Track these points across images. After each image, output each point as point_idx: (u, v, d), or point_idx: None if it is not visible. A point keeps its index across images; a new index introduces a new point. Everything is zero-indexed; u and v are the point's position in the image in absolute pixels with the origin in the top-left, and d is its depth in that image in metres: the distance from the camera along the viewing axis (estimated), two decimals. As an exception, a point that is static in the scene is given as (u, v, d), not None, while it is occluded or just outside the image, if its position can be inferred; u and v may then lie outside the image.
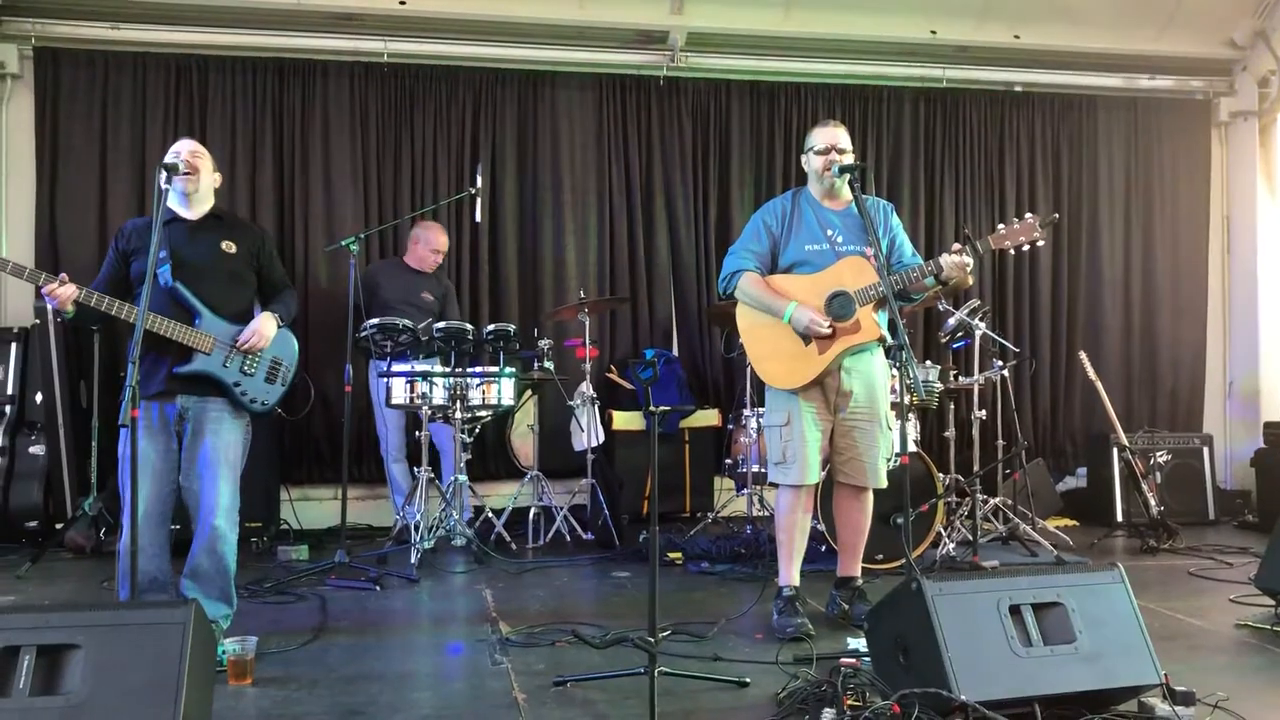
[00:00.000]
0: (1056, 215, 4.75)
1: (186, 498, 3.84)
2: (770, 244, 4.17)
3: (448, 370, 5.51)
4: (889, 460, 4.27)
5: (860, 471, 4.16)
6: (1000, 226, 4.04)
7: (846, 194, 4.19)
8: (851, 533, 4.30)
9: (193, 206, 3.95)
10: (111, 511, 5.60)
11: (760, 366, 4.18)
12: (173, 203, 3.91)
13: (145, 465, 3.67)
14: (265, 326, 3.92)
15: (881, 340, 4.12)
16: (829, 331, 3.98)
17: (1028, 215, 4.04)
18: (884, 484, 4.21)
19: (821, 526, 5.04)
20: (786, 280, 4.12)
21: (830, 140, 4.15)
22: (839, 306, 4.00)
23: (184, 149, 3.93)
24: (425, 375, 5.53)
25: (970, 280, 5.82)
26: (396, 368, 5.54)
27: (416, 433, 5.74)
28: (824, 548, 5.21)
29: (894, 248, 4.20)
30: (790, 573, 4.17)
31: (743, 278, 4.14)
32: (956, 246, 3.97)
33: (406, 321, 5.54)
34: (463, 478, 5.68)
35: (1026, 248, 4.03)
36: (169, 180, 3.72)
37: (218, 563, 3.81)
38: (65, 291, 3.61)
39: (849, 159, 4.16)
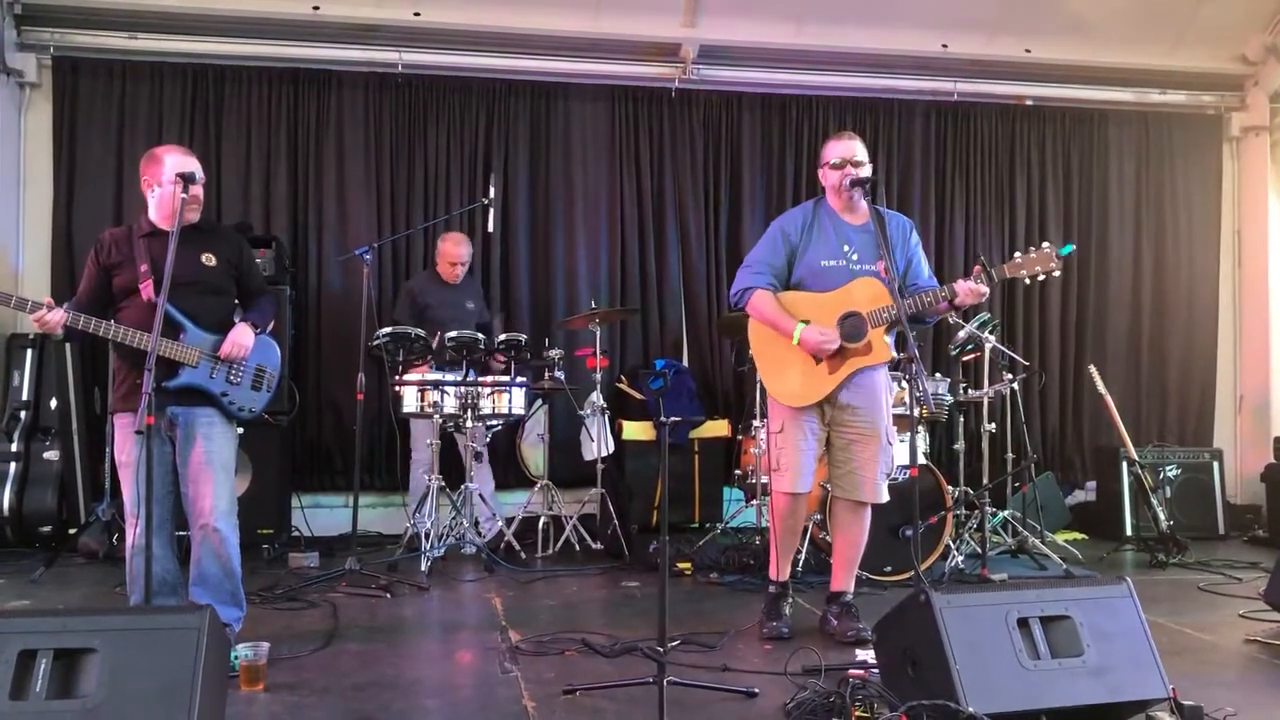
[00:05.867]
0: (1074, 245, 4.66)
1: (184, 503, 3.87)
2: (787, 255, 4.12)
3: (459, 379, 5.55)
4: (890, 475, 4.27)
5: (857, 486, 4.13)
6: (1016, 255, 3.98)
7: (864, 208, 4.14)
8: (848, 547, 4.26)
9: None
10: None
11: (771, 383, 4.16)
12: (155, 217, 3.90)
13: (142, 469, 3.70)
14: (243, 336, 3.92)
15: (890, 361, 4.12)
16: (836, 346, 3.97)
17: (1045, 245, 3.97)
18: (884, 499, 4.19)
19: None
20: (799, 299, 4.09)
21: (846, 154, 4.11)
22: (851, 327, 3.98)
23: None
24: (436, 384, 5.56)
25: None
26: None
27: (429, 441, 5.75)
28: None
29: (910, 268, 4.17)
30: (780, 567, 4.24)
31: (754, 295, 4.09)
32: (976, 270, 3.94)
33: (419, 331, 5.59)
34: (474, 485, 5.70)
35: (1042, 278, 3.97)
36: (185, 189, 3.74)
37: (224, 565, 3.85)
38: (53, 317, 3.66)
39: (866, 171, 4.12)
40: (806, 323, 4.00)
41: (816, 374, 4.04)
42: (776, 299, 4.10)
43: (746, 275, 4.15)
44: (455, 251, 6.30)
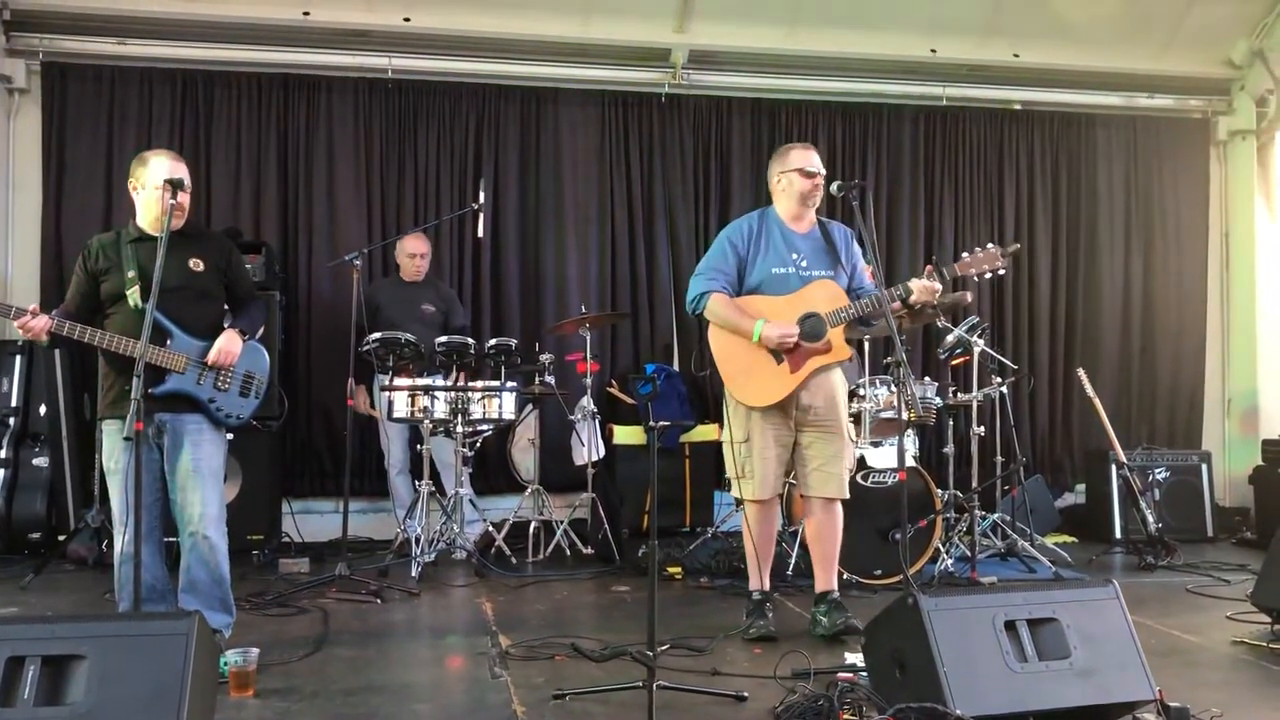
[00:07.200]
0: (1018, 245, 4.92)
1: (173, 510, 3.86)
2: (737, 263, 4.22)
3: (449, 384, 5.55)
4: (850, 472, 4.34)
5: (826, 483, 4.21)
6: (964, 255, 4.17)
7: (811, 217, 4.29)
8: (825, 545, 4.31)
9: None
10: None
11: (733, 384, 4.22)
12: (142, 221, 3.89)
13: (130, 476, 3.69)
14: (231, 343, 3.91)
15: (849, 359, 4.24)
16: (795, 340, 4.04)
17: (989, 245, 4.18)
18: (847, 495, 4.26)
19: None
20: (758, 301, 4.17)
21: (818, 164, 4.24)
22: (811, 327, 4.08)
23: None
24: (427, 389, 5.56)
25: (969, 298, 5.89)
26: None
27: (418, 446, 5.78)
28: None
29: (854, 275, 4.30)
30: (760, 578, 4.30)
31: (711, 298, 4.17)
32: (929, 269, 4.10)
33: (409, 336, 5.58)
34: (464, 491, 5.70)
35: (989, 275, 4.16)
36: (174, 195, 3.74)
37: (213, 572, 3.85)
38: (38, 324, 3.66)
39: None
40: (765, 320, 4.07)
41: (779, 373, 4.11)
42: (734, 301, 4.17)
43: (700, 282, 4.23)
44: (413, 244, 6.30)
